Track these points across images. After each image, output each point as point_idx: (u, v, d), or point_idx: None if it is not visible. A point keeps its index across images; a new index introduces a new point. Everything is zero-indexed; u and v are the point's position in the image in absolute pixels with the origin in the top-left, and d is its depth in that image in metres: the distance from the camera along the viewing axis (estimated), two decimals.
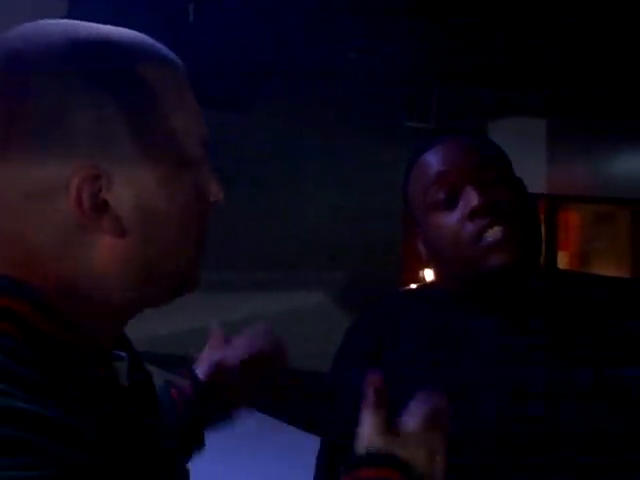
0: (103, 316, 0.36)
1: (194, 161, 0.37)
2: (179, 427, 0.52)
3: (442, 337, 0.58)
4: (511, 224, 0.55)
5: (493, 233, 0.54)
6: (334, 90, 2.73)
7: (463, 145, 0.59)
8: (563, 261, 3.25)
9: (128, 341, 0.41)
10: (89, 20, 0.38)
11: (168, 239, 0.36)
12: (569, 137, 3.22)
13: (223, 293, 2.40)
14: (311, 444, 0.64)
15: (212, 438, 0.55)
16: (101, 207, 0.34)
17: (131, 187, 0.35)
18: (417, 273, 2.57)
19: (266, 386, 0.57)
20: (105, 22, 0.38)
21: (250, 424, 0.57)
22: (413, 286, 0.86)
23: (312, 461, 0.62)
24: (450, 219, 0.56)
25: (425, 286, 0.82)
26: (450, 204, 0.57)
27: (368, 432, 0.40)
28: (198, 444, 0.54)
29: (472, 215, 0.55)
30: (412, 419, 0.40)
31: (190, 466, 0.48)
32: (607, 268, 3.21)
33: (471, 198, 0.55)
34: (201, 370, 0.54)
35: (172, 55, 0.38)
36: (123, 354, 0.39)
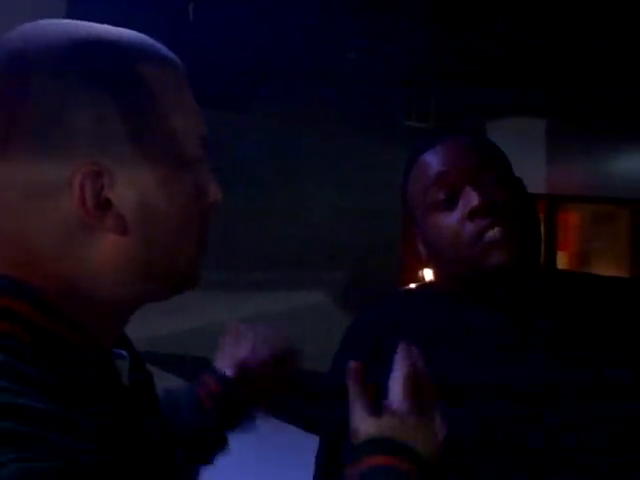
0: (103, 315, 0.36)
1: (194, 161, 0.37)
2: (205, 425, 0.52)
3: (442, 337, 0.58)
4: (511, 224, 0.55)
5: (493, 233, 0.54)
6: (333, 90, 2.73)
7: (462, 145, 0.59)
8: (562, 261, 3.25)
9: (129, 341, 0.41)
10: (88, 20, 0.38)
11: (168, 238, 0.36)
12: (568, 137, 3.22)
13: (223, 293, 2.40)
14: (311, 444, 0.64)
15: None
16: (104, 205, 0.34)
17: (132, 186, 0.35)
18: (416, 273, 2.57)
19: (282, 386, 0.57)
20: (104, 21, 0.38)
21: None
22: (412, 286, 0.86)
23: (312, 461, 0.62)
24: (450, 219, 0.56)
25: (424, 286, 0.82)
26: (450, 204, 0.57)
27: (358, 420, 0.40)
28: (222, 444, 0.54)
29: (472, 215, 0.55)
30: (396, 396, 0.40)
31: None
32: (606, 268, 3.21)
33: (471, 198, 0.55)
34: (226, 368, 0.54)
35: (172, 55, 0.38)
36: (124, 353, 0.39)
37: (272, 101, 2.62)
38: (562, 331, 0.56)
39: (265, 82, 2.40)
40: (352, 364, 0.43)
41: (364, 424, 0.40)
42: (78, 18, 0.38)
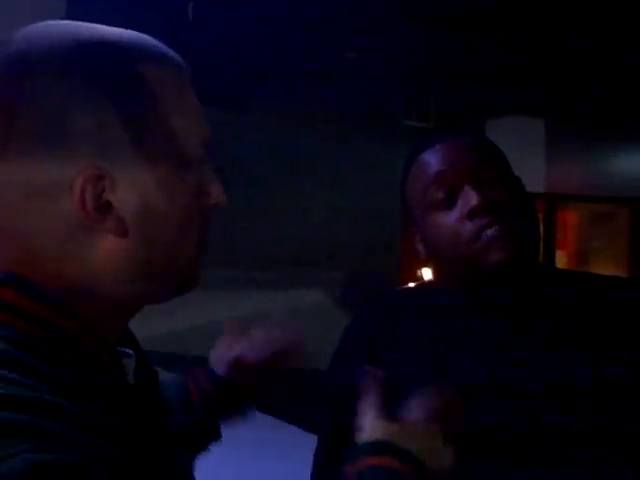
0: (104, 314, 0.37)
1: (195, 161, 0.37)
2: (194, 418, 0.52)
3: (440, 336, 0.58)
4: (509, 223, 0.55)
5: (492, 232, 0.55)
6: (332, 90, 2.73)
7: (462, 145, 0.59)
8: (561, 260, 3.25)
9: (135, 339, 0.42)
10: (87, 19, 0.38)
11: (169, 239, 0.36)
12: (568, 136, 3.23)
13: (222, 292, 2.41)
14: (310, 443, 0.64)
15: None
16: (104, 208, 0.35)
17: (133, 188, 0.35)
18: (415, 272, 2.57)
19: (281, 383, 0.57)
20: (103, 21, 0.38)
21: (250, 423, 0.57)
22: (411, 285, 0.86)
23: (310, 460, 0.63)
24: (449, 218, 0.56)
25: (423, 285, 0.82)
26: (449, 203, 0.57)
27: (368, 422, 0.40)
28: (214, 435, 0.54)
29: (471, 214, 0.55)
30: (416, 409, 0.40)
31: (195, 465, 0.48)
32: (605, 267, 3.22)
33: (470, 198, 0.55)
34: (219, 366, 0.54)
35: (175, 56, 0.38)
36: (130, 352, 0.39)
37: (271, 101, 2.62)
38: (561, 330, 0.57)
39: (264, 82, 2.40)
40: (373, 369, 0.42)
41: (375, 426, 0.40)
42: (77, 18, 0.38)
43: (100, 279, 0.35)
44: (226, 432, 0.55)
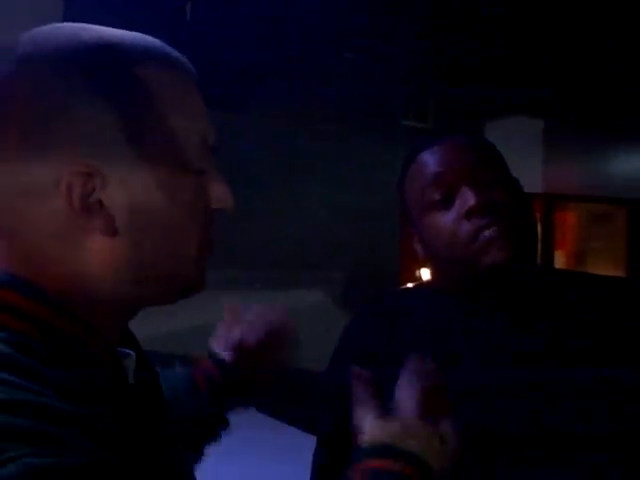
0: (104, 314, 0.36)
1: (196, 162, 0.37)
2: (203, 407, 0.52)
3: (439, 336, 0.58)
4: (507, 223, 0.55)
5: (489, 232, 0.55)
6: (332, 90, 2.73)
7: (459, 145, 0.59)
8: (560, 260, 3.26)
9: (135, 340, 0.42)
10: (85, 19, 0.38)
11: (164, 240, 0.36)
12: (566, 137, 3.23)
13: (222, 292, 2.40)
14: (310, 444, 0.64)
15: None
16: (93, 207, 0.34)
17: (126, 187, 0.35)
18: (414, 272, 2.57)
19: (278, 369, 0.57)
20: (101, 21, 0.38)
21: (250, 424, 0.57)
22: (410, 285, 0.86)
23: (309, 460, 0.62)
24: (447, 219, 0.57)
25: (422, 285, 0.82)
26: (446, 204, 0.57)
27: (367, 424, 0.40)
28: (222, 425, 0.54)
29: (469, 215, 0.55)
30: (406, 403, 0.40)
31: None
32: (603, 267, 3.23)
33: (467, 198, 0.55)
34: (222, 349, 0.54)
35: (178, 57, 0.38)
36: (131, 352, 0.39)
37: (270, 101, 2.62)
38: (560, 330, 0.57)
39: (263, 82, 2.40)
40: (358, 370, 0.42)
41: (371, 428, 0.40)
42: (75, 18, 0.38)
43: (94, 279, 0.35)
44: (226, 433, 0.55)
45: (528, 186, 0.62)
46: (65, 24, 0.37)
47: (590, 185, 3.32)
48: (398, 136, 2.87)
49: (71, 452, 0.29)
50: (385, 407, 0.40)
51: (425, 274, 2.42)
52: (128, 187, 0.35)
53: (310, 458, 0.63)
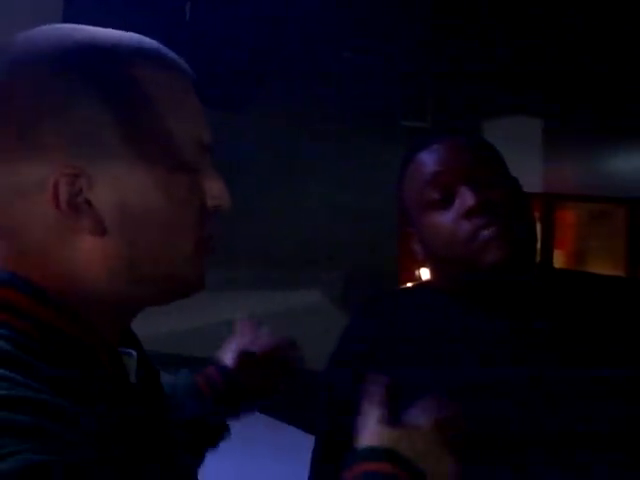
0: (101, 314, 0.36)
1: (190, 163, 0.37)
2: (204, 413, 0.53)
3: (438, 336, 0.58)
4: (506, 223, 0.55)
5: (488, 232, 0.55)
6: (331, 90, 2.73)
7: (458, 145, 0.59)
8: (559, 260, 3.26)
9: (137, 339, 0.42)
10: (84, 19, 0.38)
11: (159, 239, 0.36)
12: (565, 136, 3.23)
13: (221, 292, 2.40)
14: (309, 444, 0.64)
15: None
16: (80, 207, 0.34)
17: (118, 187, 0.35)
18: (413, 272, 2.57)
19: (283, 382, 0.58)
20: (100, 21, 0.38)
21: (249, 423, 0.57)
22: (409, 285, 0.86)
23: (308, 460, 0.63)
24: (445, 218, 0.57)
25: (421, 285, 0.82)
26: (445, 204, 0.57)
27: (369, 427, 0.40)
28: (224, 432, 0.55)
29: (468, 214, 0.55)
30: (418, 416, 0.40)
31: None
32: (603, 266, 3.23)
33: (466, 198, 0.56)
34: (228, 358, 0.56)
35: (174, 58, 0.38)
36: (132, 352, 0.39)
37: (269, 101, 2.62)
38: (559, 329, 0.57)
39: (262, 82, 2.41)
40: (377, 375, 0.43)
41: (373, 432, 0.40)
42: (74, 18, 0.38)
43: (89, 279, 0.35)
44: (226, 439, 0.55)
45: (528, 186, 0.63)
46: (60, 25, 0.37)
47: (590, 184, 3.32)
48: (398, 136, 2.87)
49: (70, 449, 0.29)
50: (391, 414, 0.41)
51: (425, 274, 2.42)
52: (120, 186, 0.35)
53: (308, 457, 0.63)
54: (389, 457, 0.38)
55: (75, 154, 0.34)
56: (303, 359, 0.59)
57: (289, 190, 2.87)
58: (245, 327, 0.58)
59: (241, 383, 0.55)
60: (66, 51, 0.35)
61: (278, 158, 2.83)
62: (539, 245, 0.61)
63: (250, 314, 0.59)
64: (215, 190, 0.38)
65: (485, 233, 0.55)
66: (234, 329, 0.59)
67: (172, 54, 0.38)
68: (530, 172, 2.85)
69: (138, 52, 0.36)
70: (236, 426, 0.56)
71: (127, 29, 0.38)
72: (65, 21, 0.38)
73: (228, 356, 0.56)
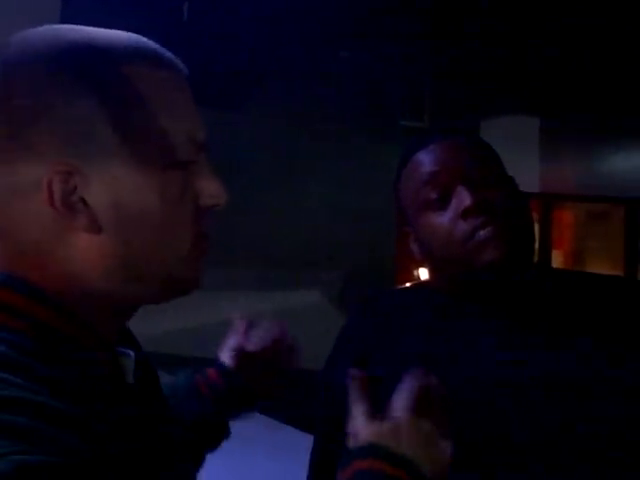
0: (97, 312, 0.36)
1: (184, 161, 0.37)
2: (204, 413, 0.52)
3: (436, 336, 0.58)
4: (503, 222, 0.55)
5: (485, 232, 0.55)
6: (331, 90, 2.73)
7: (455, 145, 0.59)
8: (557, 259, 3.26)
9: (135, 339, 0.42)
10: (82, 19, 0.38)
11: (153, 237, 0.36)
12: (562, 136, 3.24)
13: (220, 292, 2.40)
14: (307, 443, 0.64)
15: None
16: (75, 205, 0.34)
17: (112, 185, 0.35)
18: (411, 272, 2.57)
19: (281, 381, 0.58)
20: (98, 21, 0.38)
21: (247, 423, 0.57)
22: (407, 285, 0.86)
23: (307, 460, 0.62)
24: (442, 218, 0.57)
25: (419, 285, 0.82)
26: (442, 204, 0.57)
27: (357, 425, 0.40)
28: (224, 432, 0.55)
29: (465, 214, 0.55)
30: (400, 405, 0.40)
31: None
32: (601, 266, 3.23)
33: (463, 198, 0.55)
34: (226, 358, 0.55)
35: (168, 56, 0.38)
36: (130, 352, 0.39)
37: (269, 101, 2.62)
38: (557, 329, 0.57)
39: (261, 82, 2.40)
40: (355, 371, 0.42)
41: (362, 429, 0.39)
42: (72, 17, 0.38)
43: (85, 278, 0.35)
44: (226, 440, 0.55)
45: (525, 185, 0.62)
46: (55, 26, 0.37)
47: (587, 184, 3.33)
48: (396, 136, 2.87)
49: (63, 451, 0.29)
50: (379, 409, 0.40)
51: (423, 274, 2.42)
52: (115, 185, 0.35)
53: (307, 457, 0.63)
54: (376, 453, 0.38)
55: (70, 153, 0.34)
56: (301, 357, 0.58)
57: (289, 190, 2.87)
58: (242, 325, 0.58)
59: (241, 383, 0.54)
60: (61, 51, 0.35)
61: (278, 158, 2.82)
62: (537, 245, 0.61)
63: (250, 314, 0.58)
64: (210, 189, 0.38)
65: (482, 233, 0.55)
66: (231, 327, 0.58)
67: (167, 53, 0.38)
68: (528, 172, 2.85)
69: (133, 52, 0.36)
70: (234, 426, 0.56)
71: (125, 29, 0.38)
72: (63, 21, 0.38)
73: (226, 355, 0.56)
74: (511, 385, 0.54)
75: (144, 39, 0.38)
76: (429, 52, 2.61)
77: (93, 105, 0.34)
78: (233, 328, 0.58)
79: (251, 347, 0.56)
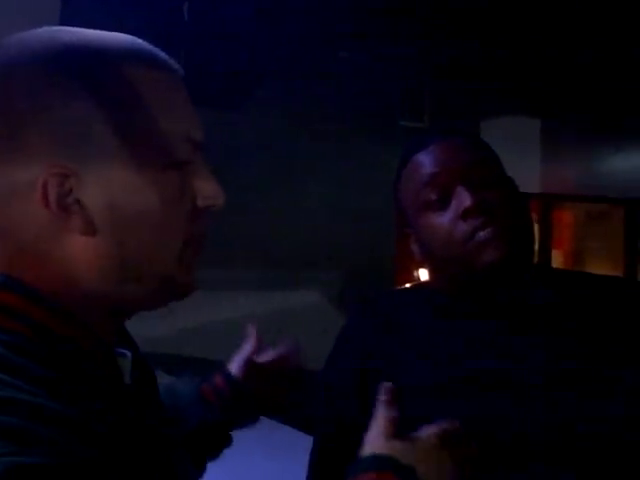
0: (94, 314, 0.36)
1: (180, 162, 0.37)
2: (210, 420, 0.52)
3: (435, 336, 0.58)
4: (503, 223, 0.55)
5: (485, 232, 0.55)
6: (330, 90, 2.73)
7: (454, 145, 0.59)
8: (557, 260, 3.27)
9: (132, 340, 0.42)
10: (82, 19, 0.38)
11: (148, 239, 0.36)
12: (563, 136, 3.24)
13: (221, 293, 2.40)
14: (307, 444, 0.64)
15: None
16: (70, 207, 0.34)
17: (108, 187, 0.35)
18: (411, 272, 2.57)
19: (288, 394, 0.58)
20: (98, 20, 0.38)
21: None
22: (407, 285, 0.86)
23: (306, 460, 0.62)
24: (442, 219, 0.57)
25: (419, 285, 0.82)
26: (442, 204, 0.57)
27: (375, 436, 0.40)
28: (226, 441, 0.55)
29: (465, 215, 0.55)
30: (428, 430, 0.41)
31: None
32: (601, 266, 3.24)
33: (463, 198, 0.55)
34: (235, 368, 0.56)
35: (164, 57, 0.38)
36: (127, 352, 0.39)
37: (269, 101, 2.62)
38: (557, 330, 0.57)
39: (261, 82, 2.41)
40: (388, 385, 0.43)
41: (377, 441, 0.40)
42: (72, 17, 0.38)
43: (81, 279, 0.35)
44: (228, 448, 0.55)
45: (525, 186, 0.62)
46: (52, 27, 0.37)
47: (587, 185, 3.33)
48: (396, 136, 2.87)
49: (59, 452, 0.29)
50: (400, 427, 0.41)
51: (423, 274, 2.42)
52: (111, 186, 0.35)
53: (307, 457, 0.63)
54: (392, 466, 0.38)
55: (66, 154, 0.34)
56: (303, 359, 0.59)
57: (288, 190, 2.87)
58: (253, 337, 0.58)
59: (247, 392, 0.54)
60: (58, 53, 0.35)
61: (278, 158, 2.82)
62: (537, 245, 0.61)
63: (250, 314, 0.59)
64: (208, 189, 0.38)
65: (482, 234, 0.55)
66: (243, 333, 0.58)
67: (162, 54, 0.38)
68: (528, 172, 2.85)
69: (129, 53, 0.36)
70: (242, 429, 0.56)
71: (125, 29, 0.38)
72: (62, 21, 0.38)
73: (235, 365, 0.56)
74: (511, 385, 0.54)
75: (139, 40, 0.38)
76: (429, 52, 2.61)
77: (90, 107, 0.34)
78: (246, 338, 0.58)
79: (261, 359, 0.56)
